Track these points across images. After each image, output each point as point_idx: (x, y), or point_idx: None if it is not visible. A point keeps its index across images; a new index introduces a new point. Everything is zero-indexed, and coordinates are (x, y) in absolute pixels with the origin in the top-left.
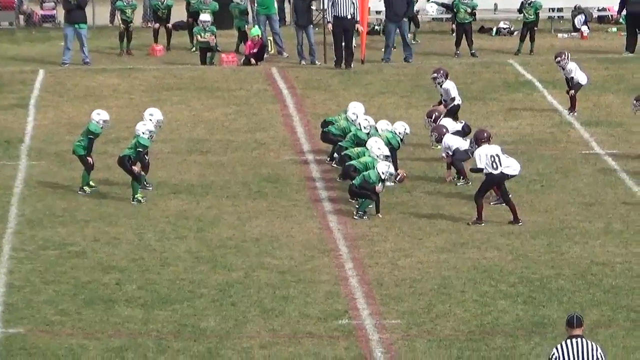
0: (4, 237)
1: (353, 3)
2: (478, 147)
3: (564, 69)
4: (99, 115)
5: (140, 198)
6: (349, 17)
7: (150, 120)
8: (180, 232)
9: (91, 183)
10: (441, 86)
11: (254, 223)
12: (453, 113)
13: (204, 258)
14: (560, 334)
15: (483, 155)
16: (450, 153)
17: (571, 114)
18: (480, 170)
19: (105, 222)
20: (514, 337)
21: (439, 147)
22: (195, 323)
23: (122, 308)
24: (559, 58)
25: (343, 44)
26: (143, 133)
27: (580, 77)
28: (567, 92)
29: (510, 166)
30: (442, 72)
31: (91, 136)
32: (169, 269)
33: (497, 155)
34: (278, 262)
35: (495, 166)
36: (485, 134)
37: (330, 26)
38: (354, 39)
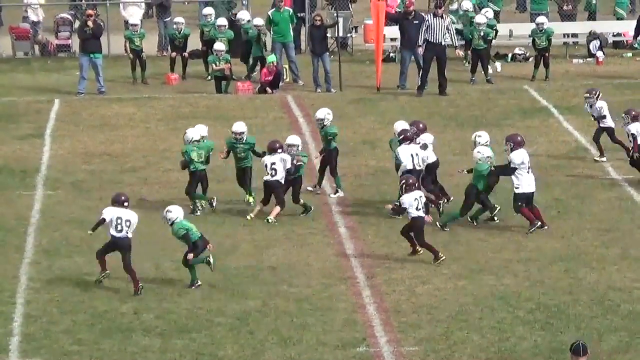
0: (21, 267)
1: (448, 30)
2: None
3: (591, 107)
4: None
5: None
6: (442, 43)
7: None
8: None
9: None
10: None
11: (270, 251)
12: None
13: (221, 287)
14: None
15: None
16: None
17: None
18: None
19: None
20: None
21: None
22: (213, 352)
23: (139, 337)
24: (587, 94)
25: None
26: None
27: (610, 119)
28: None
29: None
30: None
31: None
32: (186, 298)
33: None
34: (295, 290)
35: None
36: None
37: (420, 50)
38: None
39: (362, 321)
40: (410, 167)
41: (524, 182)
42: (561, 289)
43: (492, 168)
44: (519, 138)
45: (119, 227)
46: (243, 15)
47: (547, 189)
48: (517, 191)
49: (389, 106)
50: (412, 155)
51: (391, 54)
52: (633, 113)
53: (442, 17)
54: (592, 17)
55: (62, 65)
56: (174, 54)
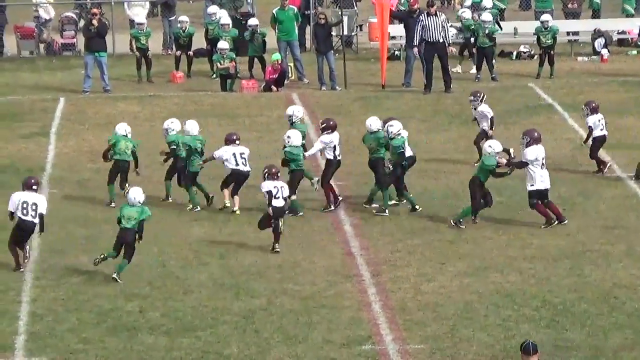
0: (26, 266)
1: (444, 27)
2: None
3: (475, 109)
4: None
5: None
6: (441, 40)
7: None
8: (203, 259)
9: None
10: None
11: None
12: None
13: (226, 285)
14: (584, 357)
15: None
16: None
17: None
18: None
19: None
20: None
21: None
22: (218, 350)
23: (145, 336)
24: (471, 97)
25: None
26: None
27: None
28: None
29: None
30: None
31: None
32: (192, 296)
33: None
34: (301, 288)
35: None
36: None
37: (416, 50)
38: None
39: (368, 319)
40: (330, 157)
41: (538, 179)
42: (566, 287)
43: (504, 161)
44: (536, 134)
45: (25, 211)
46: (213, 10)
47: (552, 186)
48: (531, 188)
49: (394, 104)
50: (336, 146)
51: (396, 52)
52: (593, 105)
53: (436, 14)
54: (596, 15)
55: (67, 64)
56: (179, 52)
